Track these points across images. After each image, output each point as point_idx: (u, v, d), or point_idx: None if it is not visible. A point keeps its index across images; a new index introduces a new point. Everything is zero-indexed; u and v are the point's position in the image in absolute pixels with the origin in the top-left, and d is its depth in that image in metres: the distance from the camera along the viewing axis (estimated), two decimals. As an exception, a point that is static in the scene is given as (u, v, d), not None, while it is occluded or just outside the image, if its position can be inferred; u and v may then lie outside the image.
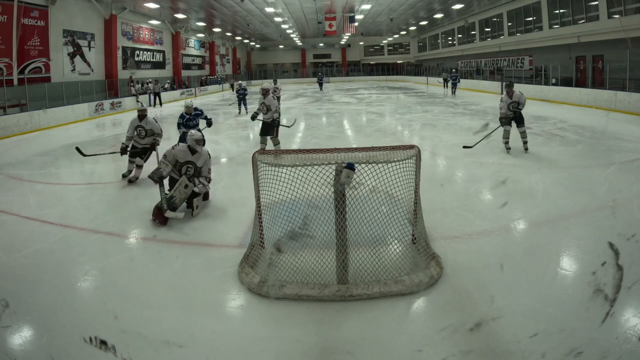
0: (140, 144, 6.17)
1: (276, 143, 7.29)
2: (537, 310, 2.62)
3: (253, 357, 2.35)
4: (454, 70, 23.70)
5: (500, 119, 7.14)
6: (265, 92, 7.18)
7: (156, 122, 6.25)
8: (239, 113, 14.47)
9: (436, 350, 2.33)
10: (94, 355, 2.31)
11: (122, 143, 6.24)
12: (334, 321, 2.65)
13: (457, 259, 3.31)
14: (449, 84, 21.44)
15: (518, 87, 7.32)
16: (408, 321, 2.70)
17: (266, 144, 7.22)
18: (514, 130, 7.11)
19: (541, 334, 2.36)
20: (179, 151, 4.67)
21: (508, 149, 7.11)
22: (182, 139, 7.03)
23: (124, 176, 6.24)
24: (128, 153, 6.19)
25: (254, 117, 7.35)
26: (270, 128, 7.20)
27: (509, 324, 2.50)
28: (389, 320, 2.65)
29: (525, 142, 7.11)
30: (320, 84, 27.23)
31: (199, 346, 2.42)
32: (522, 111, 6.99)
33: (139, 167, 6.19)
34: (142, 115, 6.12)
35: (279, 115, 7.66)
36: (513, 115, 6.99)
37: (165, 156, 4.63)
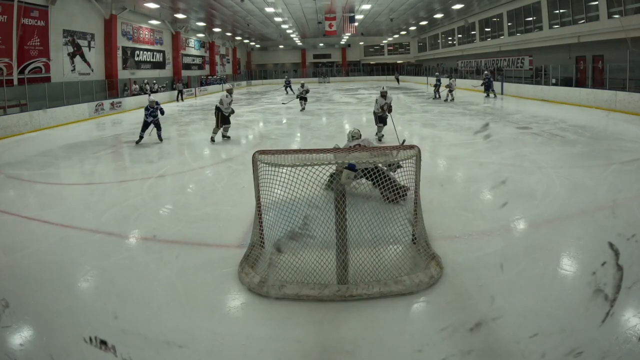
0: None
1: None
2: (537, 310, 2.62)
3: (253, 357, 2.35)
4: (485, 72, 20.58)
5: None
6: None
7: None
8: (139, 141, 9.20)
9: (436, 350, 2.33)
10: (94, 355, 2.31)
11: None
12: (334, 321, 2.65)
13: (457, 259, 3.31)
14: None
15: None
16: (408, 321, 2.70)
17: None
18: None
19: (541, 334, 2.36)
20: None
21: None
22: (144, 127, 9.22)
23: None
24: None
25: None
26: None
27: (509, 324, 2.50)
28: (389, 320, 2.64)
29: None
30: (288, 86, 23.84)
31: (199, 346, 2.42)
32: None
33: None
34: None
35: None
36: None
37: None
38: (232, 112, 9.62)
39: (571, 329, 2.40)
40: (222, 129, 9.36)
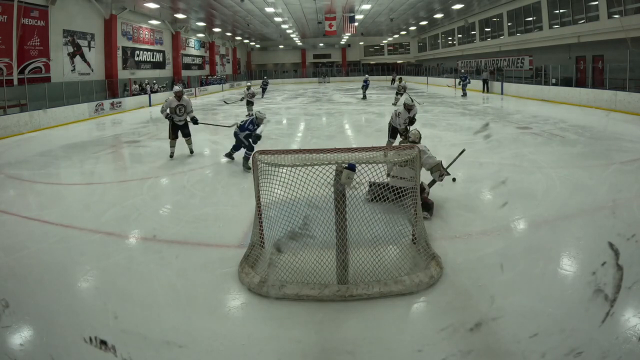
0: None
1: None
2: (537, 310, 2.62)
3: (253, 357, 2.35)
4: (462, 70, 22.48)
5: None
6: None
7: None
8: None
9: (436, 350, 2.33)
10: (94, 355, 2.31)
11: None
12: (334, 321, 2.65)
13: (457, 259, 3.31)
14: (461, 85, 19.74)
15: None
16: (408, 321, 2.70)
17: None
18: None
19: (541, 334, 2.36)
20: None
21: None
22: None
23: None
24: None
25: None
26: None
27: (509, 324, 2.50)
28: (389, 320, 2.64)
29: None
30: (264, 90, 22.44)
31: (199, 346, 2.42)
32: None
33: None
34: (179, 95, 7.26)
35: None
36: None
37: None
38: (193, 120, 7.48)
39: (571, 329, 2.40)
40: (185, 140, 7.62)
